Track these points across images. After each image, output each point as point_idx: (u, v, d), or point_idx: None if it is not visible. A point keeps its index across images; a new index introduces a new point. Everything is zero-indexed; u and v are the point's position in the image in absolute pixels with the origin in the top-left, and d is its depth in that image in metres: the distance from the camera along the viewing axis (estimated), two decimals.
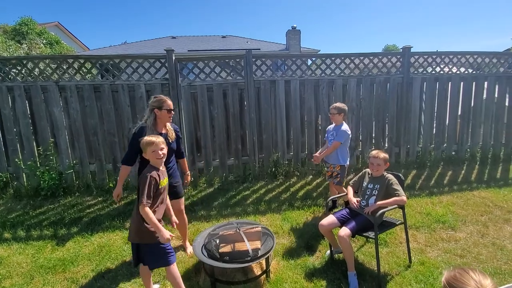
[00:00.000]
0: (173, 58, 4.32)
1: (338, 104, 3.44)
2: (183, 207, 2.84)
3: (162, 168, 2.13)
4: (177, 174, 2.75)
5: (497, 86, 5.32)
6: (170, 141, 2.55)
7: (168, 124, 2.64)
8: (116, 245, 3.08)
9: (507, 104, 5.42)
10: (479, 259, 2.66)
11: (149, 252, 2.02)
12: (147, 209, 1.90)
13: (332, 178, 3.51)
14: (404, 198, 2.44)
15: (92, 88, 4.22)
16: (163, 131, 2.55)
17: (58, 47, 12.12)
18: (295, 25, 15.70)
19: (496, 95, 5.35)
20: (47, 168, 4.18)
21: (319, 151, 3.67)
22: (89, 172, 4.40)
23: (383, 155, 2.58)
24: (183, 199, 2.85)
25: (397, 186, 2.49)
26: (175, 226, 2.56)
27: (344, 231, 2.37)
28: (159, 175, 2.03)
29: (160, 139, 2.07)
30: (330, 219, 2.58)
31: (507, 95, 5.39)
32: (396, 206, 2.48)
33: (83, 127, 4.29)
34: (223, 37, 19.32)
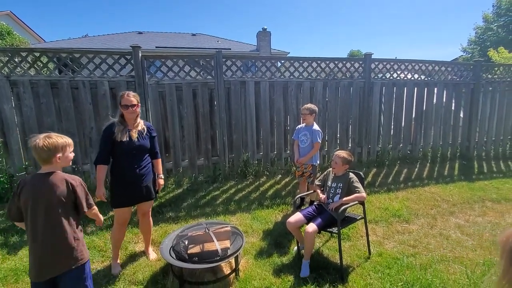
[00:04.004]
0: (140, 54, 4.18)
1: (309, 105, 3.59)
2: (149, 209, 2.74)
3: None
4: (150, 176, 2.61)
5: (445, 92, 5.90)
6: (132, 139, 2.44)
7: (141, 122, 2.54)
8: None
9: (453, 108, 6.03)
10: (429, 248, 2.95)
11: (76, 279, 1.68)
12: (96, 214, 1.85)
13: (304, 177, 3.64)
14: (364, 194, 2.63)
15: (49, 84, 3.92)
16: (131, 128, 2.47)
17: (10, 38, 10.97)
18: (265, 27, 15.94)
19: (444, 100, 5.93)
20: None
21: (295, 155, 3.68)
22: None
23: (343, 155, 2.74)
24: (152, 202, 2.73)
25: (358, 184, 2.67)
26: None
27: (312, 227, 2.49)
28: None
29: (70, 139, 1.77)
30: (297, 216, 2.69)
31: (453, 100, 6.00)
32: (357, 202, 2.66)
33: (38, 126, 3.96)
34: (193, 35, 18.95)
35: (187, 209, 3.86)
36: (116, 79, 4.16)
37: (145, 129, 2.55)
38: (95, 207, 1.81)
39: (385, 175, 5.14)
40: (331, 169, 2.90)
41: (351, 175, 2.75)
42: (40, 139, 1.63)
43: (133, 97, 2.44)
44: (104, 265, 2.70)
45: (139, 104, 2.52)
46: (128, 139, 2.42)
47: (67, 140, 1.74)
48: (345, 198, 2.62)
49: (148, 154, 2.60)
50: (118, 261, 2.67)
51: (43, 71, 4.07)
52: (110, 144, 2.40)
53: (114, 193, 2.50)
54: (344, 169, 2.77)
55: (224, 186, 4.55)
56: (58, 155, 1.66)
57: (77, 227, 1.72)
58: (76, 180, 1.70)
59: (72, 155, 1.78)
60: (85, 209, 1.73)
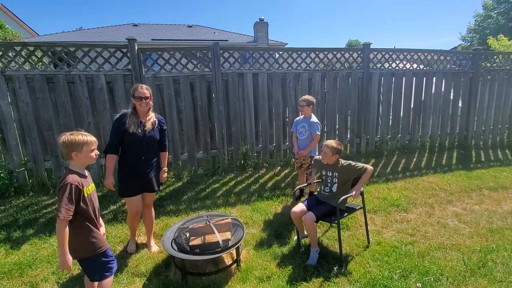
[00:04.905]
0: (136, 47, 4.12)
1: (306, 97, 3.58)
2: (152, 201, 2.82)
3: (87, 174, 1.86)
4: (156, 168, 2.69)
5: (443, 81, 5.88)
6: (146, 131, 2.51)
7: (152, 114, 2.59)
8: None
9: (452, 97, 6.02)
10: (426, 237, 2.99)
11: (88, 264, 1.81)
12: (61, 224, 1.58)
13: (303, 168, 3.66)
14: (370, 167, 2.64)
15: (45, 79, 3.88)
16: (143, 120, 2.52)
17: (2, 32, 10.74)
18: (262, 17, 15.74)
19: (443, 90, 5.92)
20: None
21: (295, 147, 3.69)
22: (44, 169, 4.08)
23: (332, 145, 2.67)
24: (154, 194, 2.81)
25: (358, 164, 2.67)
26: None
27: (310, 215, 2.55)
28: (82, 182, 1.72)
29: (92, 138, 1.79)
30: (301, 206, 2.73)
31: (452, 90, 5.99)
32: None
33: (35, 121, 3.94)
34: (189, 26, 18.70)
35: (188, 202, 3.88)
36: (113, 72, 4.12)
37: (156, 122, 2.60)
38: (61, 217, 1.57)
39: (384, 165, 5.17)
40: (319, 156, 2.87)
41: (344, 162, 2.74)
42: (63, 136, 1.70)
43: (146, 90, 2.50)
44: None
45: (152, 97, 2.56)
46: (140, 131, 2.47)
47: (87, 138, 1.75)
48: (359, 184, 2.64)
49: (156, 147, 2.66)
50: (135, 240, 2.84)
51: (38, 66, 4.02)
52: (120, 134, 2.45)
53: (121, 183, 2.57)
54: (334, 159, 2.72)
55: (223, 179, 4.57)
56: (74, 152, 1.71)
57: (78, 226, 1.71)
58: (63, 181, 1.65)
59: (94, 153, 1.79)
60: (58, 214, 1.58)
